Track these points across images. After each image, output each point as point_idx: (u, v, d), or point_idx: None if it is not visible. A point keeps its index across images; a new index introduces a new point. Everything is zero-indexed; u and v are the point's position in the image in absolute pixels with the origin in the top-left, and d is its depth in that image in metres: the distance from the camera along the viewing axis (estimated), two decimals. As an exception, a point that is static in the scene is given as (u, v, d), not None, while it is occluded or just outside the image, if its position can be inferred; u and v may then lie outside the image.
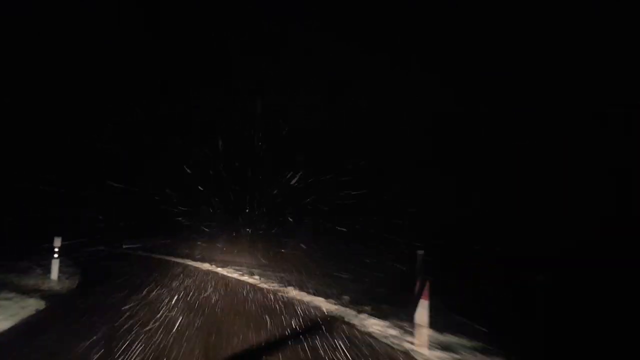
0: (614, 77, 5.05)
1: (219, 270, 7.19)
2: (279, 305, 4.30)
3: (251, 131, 9.34)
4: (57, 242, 5.70)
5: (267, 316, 3.72)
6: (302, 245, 7.49)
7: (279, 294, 5.00)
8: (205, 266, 7.67)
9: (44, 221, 9.00)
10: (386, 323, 3.49)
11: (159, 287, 5.04)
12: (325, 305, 4.35)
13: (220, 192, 9.77)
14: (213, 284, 5.70)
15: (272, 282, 5.82)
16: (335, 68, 8.31)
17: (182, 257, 8.98)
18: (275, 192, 8.79)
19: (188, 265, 7.76)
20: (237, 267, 7.32)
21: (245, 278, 6.31)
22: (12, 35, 10.58)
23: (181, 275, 6.38)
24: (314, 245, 7.35)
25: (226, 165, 9.64)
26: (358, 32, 8.06)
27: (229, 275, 6.65)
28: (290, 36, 9.28)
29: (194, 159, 10.07)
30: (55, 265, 5.61)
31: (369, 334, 3.20)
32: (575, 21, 5.46)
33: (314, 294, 4.88)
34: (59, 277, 5.61)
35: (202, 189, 9.96)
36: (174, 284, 5.47)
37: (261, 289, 5.36)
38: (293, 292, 5.08)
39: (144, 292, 4.56)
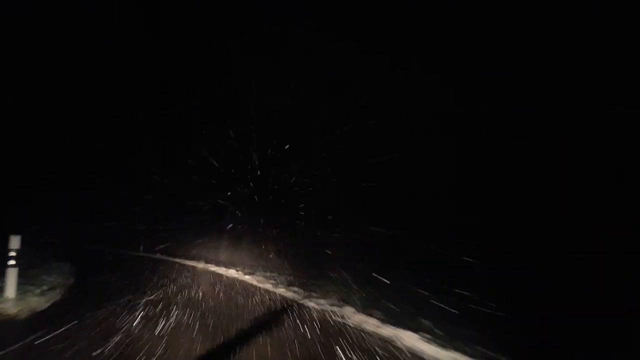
0: (614, 77, 5.05)
1: (247, 278, 6.30)
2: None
3: (251, 127, 9.33)
4: (14, 243, 4.08)
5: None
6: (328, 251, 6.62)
7: (335, 318, 3.79)
8: (231, 273, 6.90)
9: (47, 221, 8.97)
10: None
11: (174, 314, 3.78)
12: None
13: (235, 191, 9.57)
14: (245, 301, 4.53)
15: (320, 299, 4.69)
16: (335, 68, 8.30)
17: (202, 260, 8.43)
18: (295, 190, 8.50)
19: (211, 272, 7.02)
20: (268, 275, 6.50)
21: (282, 291, 5.25)
22: (12, 35, 10.58)
23: (204, 287, 5.41)
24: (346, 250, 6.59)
25: (234, 161, 9.57)
26: (358, 32, 8.05)
27: (261, 286, 5.61)
28: (290, 36, 9.27)
29: (196, 157, 10.04)
30: (10, 278, 3.95)
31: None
32: (575, 21, 5.46)
33: (386, 321, 3.54)
34: (25, 291, 4.10)
35: (211, 185, 9.75)
36: (193, 303, 4.32)
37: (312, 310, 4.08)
38: (356, 318, 3.81)
39: (156, 327, 3.32)
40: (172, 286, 5.38)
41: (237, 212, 9.30)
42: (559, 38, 5.63)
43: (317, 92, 8.40)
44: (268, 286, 5.72)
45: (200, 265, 8.10)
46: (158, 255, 9.39)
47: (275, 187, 8.93)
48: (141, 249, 10.19)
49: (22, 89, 10.74)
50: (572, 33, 5.46)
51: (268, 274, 6.70)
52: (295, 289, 5.39)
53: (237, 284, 5.97)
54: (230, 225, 9.17)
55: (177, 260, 8.71)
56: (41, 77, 11.06)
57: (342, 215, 7.21)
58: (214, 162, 9.80)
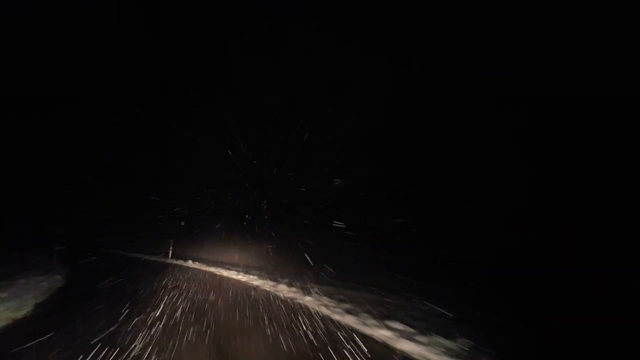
0: (613, 76, 5.05)
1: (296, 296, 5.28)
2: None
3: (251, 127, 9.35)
4: None
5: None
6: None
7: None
8: (286, 289, 6.13)
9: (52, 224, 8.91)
10: None
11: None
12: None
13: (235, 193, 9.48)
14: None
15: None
16: (335, 68, 8.31)
17: (229, 267, 7.98)
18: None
19: (257, 289, 6.17)
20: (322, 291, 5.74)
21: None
22: (12, 35, 10.58)
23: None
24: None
25: (233, 160, 9.57)
26: (358, 32, 8.05)
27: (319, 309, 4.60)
28: (290, 36, 9.27)
29: (197, 157, 10.05)
30: None
31: None
32: (575, 21, 5.46)
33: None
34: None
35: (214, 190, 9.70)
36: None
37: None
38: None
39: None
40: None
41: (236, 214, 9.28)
42: (558, 38, 5.64)
43: (317, 92, 8.41)
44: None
45: (232, 276, 7.24)
46: (169, 260, 8.51)
47: (277, 187, 8.95)
48: (169, 255, 9.08)
49: (22, 89, 10.75)
50: (571, 33, 5.47)
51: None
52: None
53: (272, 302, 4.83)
54: (227, 226, 9.17)
55: (202, 267, 7.95)
56: (41, 77, 11.07)
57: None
58: (213, 161, 9.82)
